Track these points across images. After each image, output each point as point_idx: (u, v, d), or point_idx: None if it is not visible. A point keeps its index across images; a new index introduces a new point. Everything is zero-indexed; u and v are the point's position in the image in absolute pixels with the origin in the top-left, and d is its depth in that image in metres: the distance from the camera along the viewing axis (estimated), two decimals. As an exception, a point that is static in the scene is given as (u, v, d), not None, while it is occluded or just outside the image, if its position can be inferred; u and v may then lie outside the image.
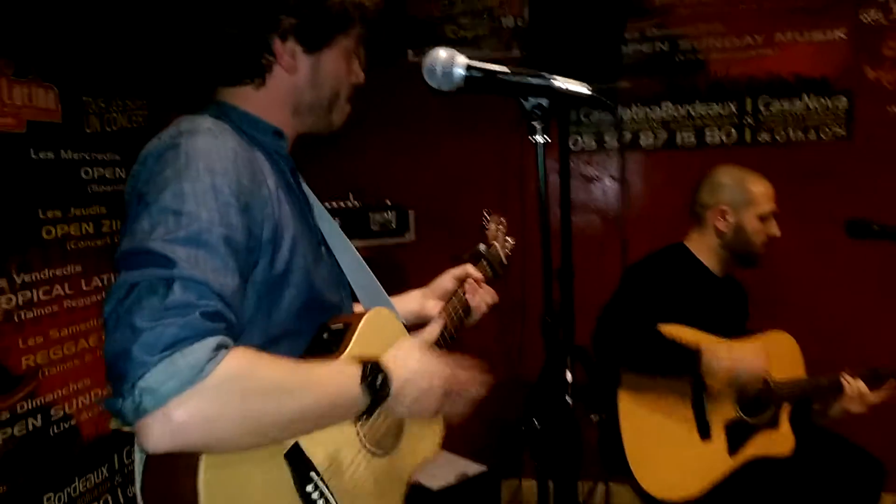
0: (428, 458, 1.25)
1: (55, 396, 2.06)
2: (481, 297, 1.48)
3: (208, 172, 0.93)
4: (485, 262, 1.58)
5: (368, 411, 1.03)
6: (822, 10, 2.86)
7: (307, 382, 0.95)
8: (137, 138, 2.43)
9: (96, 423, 2.22)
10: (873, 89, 2.86)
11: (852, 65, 2.87)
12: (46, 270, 2.04)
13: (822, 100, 2.90)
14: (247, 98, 1.11)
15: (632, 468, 1.93)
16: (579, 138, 3.09)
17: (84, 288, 2.19)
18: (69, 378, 2.12)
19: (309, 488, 0.96)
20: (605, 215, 3.08)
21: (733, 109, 2.97)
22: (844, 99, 2.88)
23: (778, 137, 2.95)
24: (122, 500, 2.31)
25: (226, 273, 0.89)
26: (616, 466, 1.97)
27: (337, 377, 0.99)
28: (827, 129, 2.91)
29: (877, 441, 2.12)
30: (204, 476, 0.85)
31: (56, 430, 2.06)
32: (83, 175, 2.20)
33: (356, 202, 2.94)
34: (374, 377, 1.01)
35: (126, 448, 2.34)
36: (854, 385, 2.03)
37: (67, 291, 2.12)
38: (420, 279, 1.55)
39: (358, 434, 1.09)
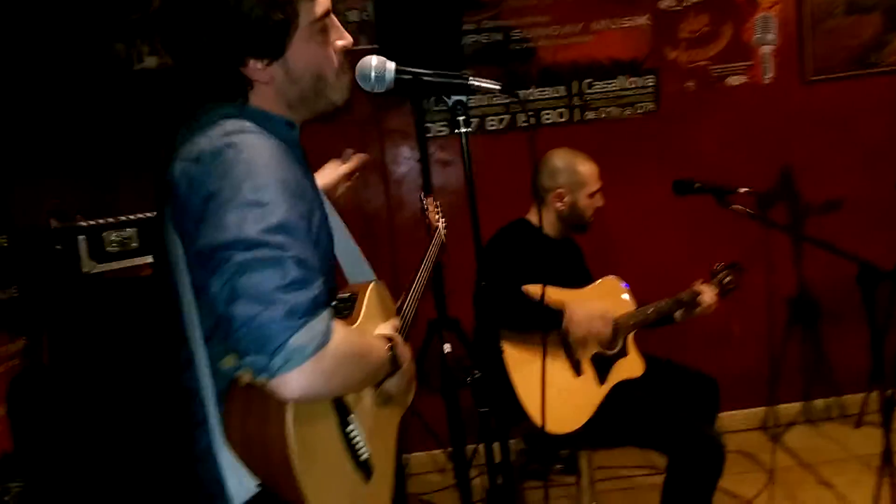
0: (407, 407, 1.47)
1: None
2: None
3: (272, 167, 1.04)
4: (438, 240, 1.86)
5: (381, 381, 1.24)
6: (629, -1, 3.28)
7: (371, 352, 1.15)
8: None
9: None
10: (673, 68, 3.32)
11: (655, 47, 3.31)
12: None
13: (634, 79, 3.33)
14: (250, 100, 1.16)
15: (530, 413, 2.17)
16: (432, 125, 3.30)
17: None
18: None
19: (349, 428, 1.16)
20: (460, 196, 3.33)
21: (563, 92, 3.32)
22: (652, 77, 3.33)
23: (601, 114, 3.34)
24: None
25: (313, 253, 1.05)
26: (513, 416, 2.20)
27: (378, 350, 1.18)
28: (640, 105, 3.35)
29: (710, 366, 2.57)
30: (290, 423, 1.01)
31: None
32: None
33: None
34: (394, 354, 1.21)
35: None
36: (704, 290, 2.45)
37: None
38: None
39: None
